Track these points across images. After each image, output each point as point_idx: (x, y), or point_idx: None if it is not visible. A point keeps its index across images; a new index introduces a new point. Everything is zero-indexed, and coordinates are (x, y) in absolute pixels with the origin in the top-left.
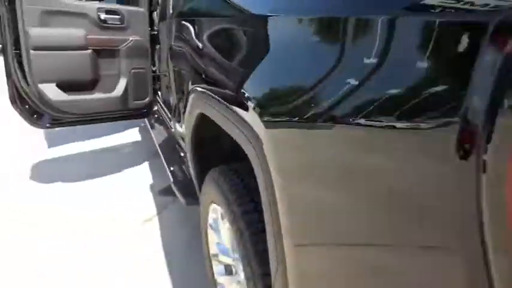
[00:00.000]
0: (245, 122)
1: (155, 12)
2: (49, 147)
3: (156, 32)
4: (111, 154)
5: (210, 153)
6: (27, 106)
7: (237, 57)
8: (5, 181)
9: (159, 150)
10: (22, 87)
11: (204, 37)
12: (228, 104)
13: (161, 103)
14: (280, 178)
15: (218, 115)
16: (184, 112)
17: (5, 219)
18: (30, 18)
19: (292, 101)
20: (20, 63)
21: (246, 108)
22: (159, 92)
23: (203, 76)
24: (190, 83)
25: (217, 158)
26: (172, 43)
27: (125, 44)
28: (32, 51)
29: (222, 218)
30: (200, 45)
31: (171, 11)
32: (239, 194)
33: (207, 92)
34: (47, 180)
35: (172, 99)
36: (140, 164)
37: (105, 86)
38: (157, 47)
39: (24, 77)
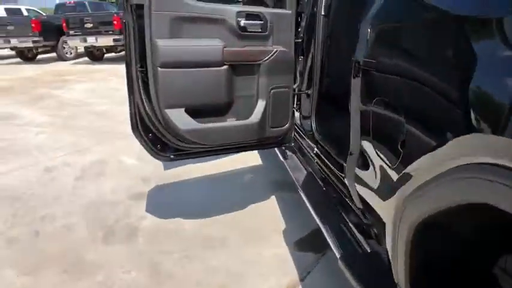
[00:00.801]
0: None
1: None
2: (165, 168)
3: (300, 40)
4: (228, 184)
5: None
6: (150, 134)
7: None
8: (121, 206)
9: (304, 197)
10: (147, 112)
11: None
12: None
13: (301, 130)
14: None
15: None
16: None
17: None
18: (158, 27)
19: None
20: (146, 83)
21: None
22: (299, 116)
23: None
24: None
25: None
26: (370, 59)
27: (267, 57)
28: (160, 69)
29: None
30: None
31: (372, 12)
32: None
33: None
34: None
35: (354, 144)
36: (265, 198)
37: (240, 110)
38: (300, 58)
39: (150, 100)
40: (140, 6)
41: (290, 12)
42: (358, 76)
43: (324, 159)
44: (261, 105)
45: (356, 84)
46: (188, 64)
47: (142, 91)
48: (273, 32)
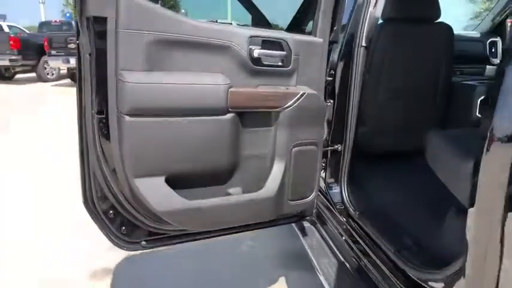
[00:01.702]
0: None
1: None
2: None
3: (330, 78)
4: (219, 258)
5: None
6: (111, 212)
7: None
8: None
9: None
10: (107, 180)
11: None
12: None
13: (326, 197)
14: None
15: None
16: None
17: None
18: (128, 52)
19: None
20: (106, 138)
21: None
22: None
23: None
24: None
25: None
26: None
27: (289, 103)
28: (127, 118)
29: None
30: None
31: None
32: None
33: None
34: None
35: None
36: (275, 278)
37: (248, 176)
38: (329, 102)
39: (112, 165)
40: (101, 21)
41: (322, 40)
42: None
43: (362, 244)
44: (278, 169)
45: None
46: (173, 111)
47: (100, 149)
48: (299, 67)
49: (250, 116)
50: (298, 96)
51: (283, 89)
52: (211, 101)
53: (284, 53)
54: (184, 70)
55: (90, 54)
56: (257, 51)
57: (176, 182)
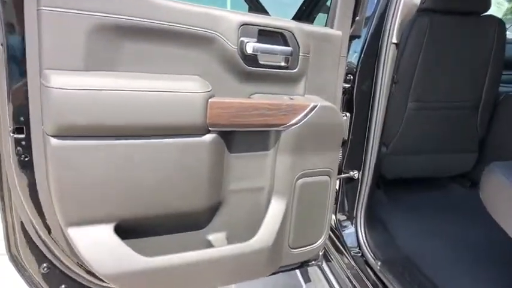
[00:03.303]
0: None
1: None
2: None
3: (348, 85)
4: None
5: None
6: (44, 265)
7: None
8: None
9: None
10: (34, 226)
11: None
12: None
13: (337, 237)
14: None
15: None
16: None
17: None
18: (57, 43)
19: None
20: (28, 167)
21: None
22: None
23: None
24: None
25: None
26: None
27: (294, 120)
28: (53, 140)
29: None
30: None
31: None
32: None
33: None
34: None
35: None
36: None
37: (235, 218)
38: (344, 116)
39: (38, 206)
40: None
41: (340, 34)
42: None
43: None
44: (277, 208)
45: None
46: (124, 130)
47: (19, 182)
48: (309, 68)
49: (240, 137)
50: (308, 109)
51: (286, 100)
52: (182, 116)
53: (289, 48)
54: (143, 71)
55: (1, 45)
56: (251, 46)
57: (131, 229)
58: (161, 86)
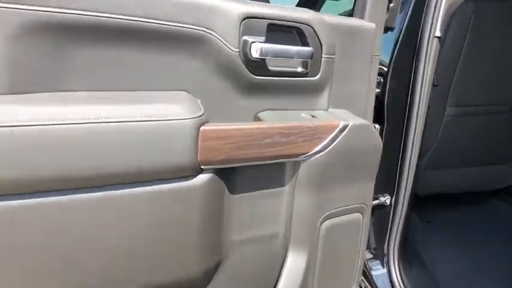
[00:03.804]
0: None
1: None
2: None
3: (378, 91)
4: None
5: None
6: None
7: None
8: None
9: None
10: None
11: None
12: None
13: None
14: None
15: None
16: None
17: None
18: None
19: None
20: None
21: None
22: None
23: None
24: None
25: None
26: None
27: (317, 147)
28: None
29: None
30: None
31: None
32: None
33: None
34: None
35: None
36: None
37: (243, 275)
38: (375, 127)
39: None
40: None
41: (374, 26)
42: None
43: None
44: (296, 259)
45: None
46: (66, 181)
47: None
48: (333, 75)
49: (245, 172)
50: (336, 131)
51: (307, 120)
52: (161, 154)
53: (309, 49)
54: (103, 88)
55: None
56: (258, 47)
57: None
58: (129, 112)
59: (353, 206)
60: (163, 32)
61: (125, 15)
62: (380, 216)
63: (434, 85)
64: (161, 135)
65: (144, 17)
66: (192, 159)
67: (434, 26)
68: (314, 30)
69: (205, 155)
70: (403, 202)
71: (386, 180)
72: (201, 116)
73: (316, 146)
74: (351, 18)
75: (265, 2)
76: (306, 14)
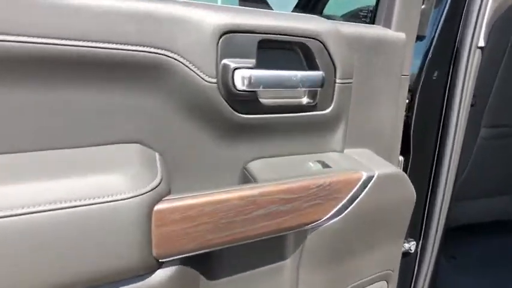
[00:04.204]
0: None
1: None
2: None
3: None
4: None
5: None
6: None
7: None
8: None
9: None
10: None
11: None
12: None
13: None
14: None
15: None
16: None
17: None
18: None
19: None
20: None
21: None
22: None
23: None
24: None
25: None
26: None
27: (331, 211)
28: None
29: None
30: None
31: None
32: None
33: None
34: None
35: None
36: None
37: None
38: (399, 160)
39: None
40: None
41: (404, 36)
42: None
43: None
44: None
45: None
46: None
47: None
48: (348, 104)
49: (230, 250)
50: (358, 187)
51: (315, 174)
52: (92, 252)
53: (318, 74)
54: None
55: None
56: (245, 74)
57: None
58: (42, 194)
59: (377, 274)
60: (104, 58)
61: (44, 35)
62: (402, 265)
63: (471, 105)
64: (91, 227)
65: (76, 39)
66: (143, 254)
67: (478, 35)
68: (325, 46)
69: (164, 247)
70: (433, 247)
71: (412, 223)
72: (155, 188)
73: (329, 211)
74: (372, 26)
75: (264, 5)
76: (313, 24)
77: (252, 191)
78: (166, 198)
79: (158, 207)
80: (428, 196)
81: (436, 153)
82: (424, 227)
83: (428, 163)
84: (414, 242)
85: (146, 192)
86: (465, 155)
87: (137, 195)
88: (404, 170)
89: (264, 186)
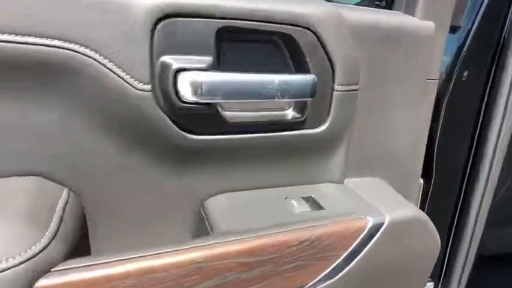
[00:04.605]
0: None
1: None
2: None
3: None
4: None
5: None
6: None
7: None
8: None
9: None
10: None
11: None
12: None
13: None
14: None
15: None
16: None
17: None
18: None
19: None
20: None
21: None
22: None
23: None
24: None
25: None
26: None
27: (324, 271)
28: None
29: None
30: None
31: None
32: None
33: None
34: None
35: None
36: None
37: None
38: (421, 181)
39: None
40: None
41: (432, 25)
42: None
43: None
44: None
45: None
46: None
47: None
48: (351, 118)
49: None
50: (360, 240)
51: (296, 218)
52: None
53: (308, 77)
54: None
55: None
56: (194, 79)
57: None
58: None
59: None
60: None
61: None
62: None
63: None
64: None
65: None
66: None
67: None
68: (319, 39)
69: None
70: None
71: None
72: (37, 254)
73: (319, 273)
74: (389, 12)
75: None
76: (303, 6)
77: (197, 253)
78: (57, 268)
79: (41, 283)
80: (453, 228)
81: (467, 173)
82: (445, 266)
83: (455, 186)
84: (432, 283)
85: (23, 262)
86: (502, 174)
87: (9, 268)
88: (425, 195)
89: (214, 245)
